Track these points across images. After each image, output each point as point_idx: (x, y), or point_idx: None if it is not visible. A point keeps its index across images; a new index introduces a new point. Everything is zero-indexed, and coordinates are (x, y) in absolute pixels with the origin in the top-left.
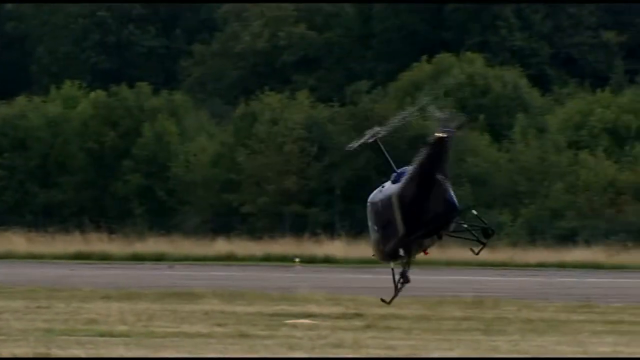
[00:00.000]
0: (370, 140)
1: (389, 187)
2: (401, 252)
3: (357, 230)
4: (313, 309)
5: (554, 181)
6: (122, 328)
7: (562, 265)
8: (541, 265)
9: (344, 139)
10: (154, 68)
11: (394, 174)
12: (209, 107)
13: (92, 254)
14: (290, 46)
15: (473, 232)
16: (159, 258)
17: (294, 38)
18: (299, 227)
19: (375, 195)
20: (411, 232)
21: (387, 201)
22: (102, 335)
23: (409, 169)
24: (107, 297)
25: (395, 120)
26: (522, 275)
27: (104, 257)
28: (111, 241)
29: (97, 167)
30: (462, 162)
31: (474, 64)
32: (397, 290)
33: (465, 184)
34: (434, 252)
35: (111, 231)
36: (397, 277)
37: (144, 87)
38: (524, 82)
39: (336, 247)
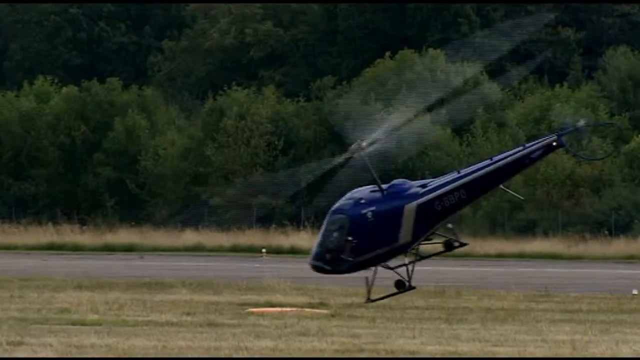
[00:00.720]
0: (356, 155)
1: (383, 197)
2: (379, 260)
3: (322, 222)
4: (279, 298)
5: None
6: (94, 317)
7: (521, 256)
8: (501, 256)
9: (310, 133)
10: (125, 64)
11: (389, 185)
12: (178, 101)
13: (64, 244)
14: (257, 42)
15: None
16: (129, 249)
17: (260, 35)
18: (266, 219)
19: (355, 205)
20: (412, 242)
21: (391, 211)
22: (74, 323)
23: (406, 182)
24: (79, 287)
25: (378, 134)
26: (482, 265)
27: (76, 248)
28: (83, 232)
29: (69, 160)
30: (425, 156)
31: (437, 60)
32: (392, 295)
33: (427, 176)
34: None
35: (83, 223)
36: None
37: (115, 82)
38: (484, 77)
39: (302, 238)
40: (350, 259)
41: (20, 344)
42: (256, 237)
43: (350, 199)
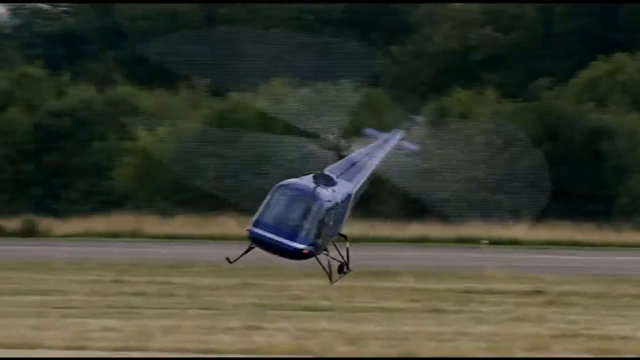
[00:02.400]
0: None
1: (340, 186)
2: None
3: (540, 215)
4: (498, 286)
5: None
6: (325, 303)
7: None
8: None
9: (528, 132)
10: (355, 67)
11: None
12: (404, 102)
13: None
14: (478, 46)
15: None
16: (359, 240)
17: (481, 39)
18: (487, 212)
19: (319, 192)
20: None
21: (346, 199)
22: (306, 309)
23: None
24: (310, 275)
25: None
26: None
27: None
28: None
29: None
30: (636, 153)
31: None
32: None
33: (639, 173)
34: (609, 236)
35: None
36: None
37: (345, 84)
38: None
39: (521, 230)
40: None
41: (256, 328)
42: (477, 229)
43: None
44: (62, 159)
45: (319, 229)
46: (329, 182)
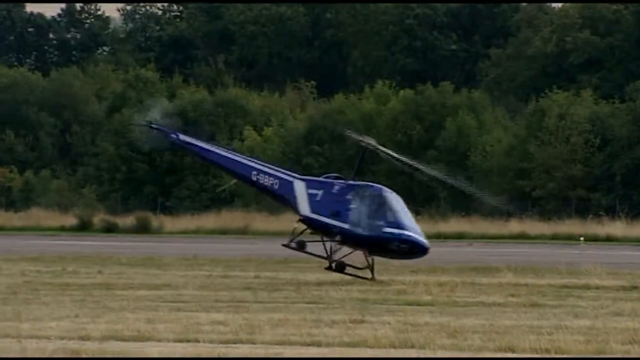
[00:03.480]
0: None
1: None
2: None
3: (635, 212)
4: (595, 281)
5: None
6: (428, 298)
7: None
8: None
9: (624, 132)
10: (455, 69)
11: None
12: (504, 103)
13: None
14: (576, 50)
15: None
16: (459, 236)
17: (579, 42)
18: (584, 210)
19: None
20: None
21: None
22: (410, 304)
23: None
24: (414, 271)
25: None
26: None
27: None
28: (417, 222)
29: (405, 156)
30: None
31: None
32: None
33: None
34: None
35: (417, 213)
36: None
37: (447, 86)
38: None
39: (617, 227)
40: None
41: (361, 321)
42: (575, 226)
43: None
44: (174, 158)
45: None
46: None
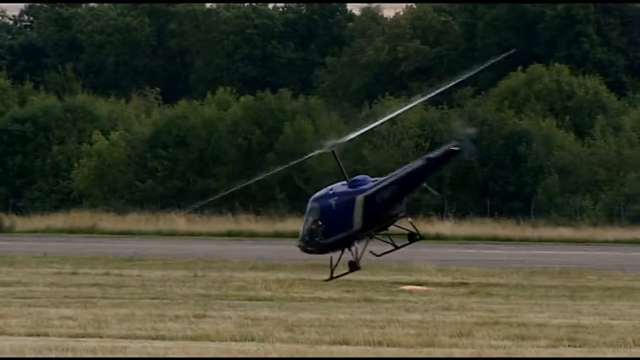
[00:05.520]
0: (329, 151)
1: (345, 190)
2: (342, 243)
3: (462, 212)
4: (425, 278)
5: (629, 171)
6: (267, 294)
7: (635, 242)
8: (618, 242)
9: (453, 136)
10: (293, 76)
11: (351, 180)
12: (339, 109)
13: (241, 232)
14: (407, 58)
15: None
16: (297, 235)
17: (410, 51)
18: (414, 210)
19: (325, 196)
20: (364, 229)
21: (347, 201)
22: (250, 299)
23: (370, 177)
24: (254, 268)
25: (348, 135)
26: (601, 250)
27: (251, 235)
28: (257, 221)
29: (246, 159)
30: (551, 155)
31: (562, 73)
32: (343, 274)
33: (554, 173)
34: (527, 231)
35: (257, 213)
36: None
37: (285, 92)
38: (603, 88)
39: (445, 227)
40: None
41: (203, 316)
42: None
43: (324, 190)
44: (24, 161)
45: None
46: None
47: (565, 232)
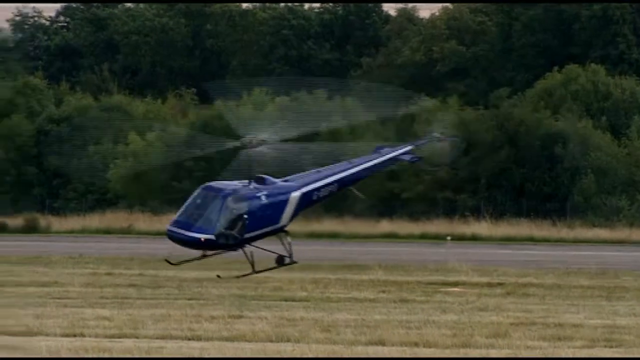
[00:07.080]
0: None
1: (278, 186)
2: (258, 239)
3: (499, 213)
4: (462, 278)
5: None
6: (303, 294)
7: None
8: None
9: (488, 137)
10: (329, 78)
11: (256, 179)
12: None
13: None
14: (442, 59)
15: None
16: (332, 235)
17: (446, 52)
18: (450, 210)
19: (249, 190)
20: (285, 226)
21: (281, 197)
22: (286, 300)
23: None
24: (290, 269)
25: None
26: (638, 250)
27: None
28: (293, 221)
29: None
30: (588, 156)
31: (598, 74)
32: (268, 269)
33: (590, 174)
34: (563, 232)
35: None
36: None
37: (321, 93)
38: (639, 89)
39: (482, 227)
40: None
41: (240, 317)
42: (442, 226)
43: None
44: (60, 162)
45: (232, 223)
46: (259, 183)
47: (602, 232)
